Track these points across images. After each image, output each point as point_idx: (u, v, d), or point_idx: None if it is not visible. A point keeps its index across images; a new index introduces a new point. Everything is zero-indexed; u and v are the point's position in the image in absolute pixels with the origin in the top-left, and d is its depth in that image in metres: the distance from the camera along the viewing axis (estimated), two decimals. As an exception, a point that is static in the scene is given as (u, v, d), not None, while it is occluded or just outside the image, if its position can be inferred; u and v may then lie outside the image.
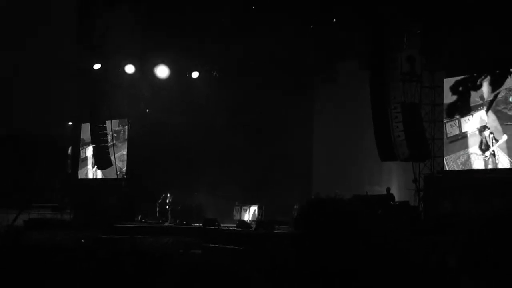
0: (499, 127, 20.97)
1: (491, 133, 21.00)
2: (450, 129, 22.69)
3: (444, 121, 23.36)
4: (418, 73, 23.36)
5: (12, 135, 39.46)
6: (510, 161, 20.76)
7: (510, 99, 20.47)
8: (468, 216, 20.11)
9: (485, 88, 22.21)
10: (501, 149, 20.86)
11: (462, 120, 22.17)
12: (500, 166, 20.95)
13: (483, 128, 21.20)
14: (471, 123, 21.81)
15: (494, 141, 21.05)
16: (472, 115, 21.67)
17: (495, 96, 20.77)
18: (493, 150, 20.97)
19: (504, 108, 20.60)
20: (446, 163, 23.28)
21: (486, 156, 21.46)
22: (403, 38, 23.67)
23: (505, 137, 20.50)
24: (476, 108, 21.69)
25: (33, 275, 11.55)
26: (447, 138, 23.09)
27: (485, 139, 21.26)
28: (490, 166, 21.40)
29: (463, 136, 22.38)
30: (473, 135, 21.94)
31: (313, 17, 25.90)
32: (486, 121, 21.41)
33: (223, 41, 27.70)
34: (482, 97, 21.77)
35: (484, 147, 21.50)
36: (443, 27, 22.64)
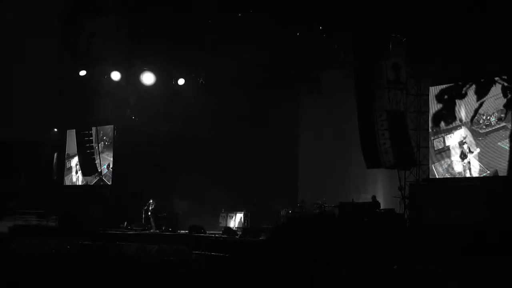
0: (473, 141, 23.33)
1: (468, 146, 23.55)
2: (437, 143, 24.42)
3: (432, 138, 24.29)
4: (403, 81, 23.41)
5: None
6: (480, 167, 23.04)
7: (480, 122, 23.12)
8: (454, 225, 20.28)
9: (469, 99, 22.47)
10: (474, 158, 23.44)
11: (446, 137, 24.18)
12: (473, 170, 23.35)
13: (462, 143, 23.79)
14: (452, 139, 24.03)
15: (469, 152, 23.47)
16: (453, 133, 23.94)
17: (472, 117, 22.60)
18: (469, 159, 23.50)
19: (477, 127, 23.27)
20: (435, 168, 24.24)
21: (464, 163, 23.66)
22: (388, 45, 23.65)
23: (478, 149, 23.21)
24: (456, 128, 23.80)
25: (19, 283, 11.52)
26: (435, 150, 24.32)
27: (464, 150, 23.69)
28: (467, 171, 23.54)
29: (447, 149, 24.11)
30: (454, 147, 23.98)
31: (299, 24, 25.86)
32: (463, 136, 23.75)
33: (210, 48, 27.65)
34: (460, 120, 23.41)
35: (463, 156, 23.66)
36: (428, 35, 22.64)
